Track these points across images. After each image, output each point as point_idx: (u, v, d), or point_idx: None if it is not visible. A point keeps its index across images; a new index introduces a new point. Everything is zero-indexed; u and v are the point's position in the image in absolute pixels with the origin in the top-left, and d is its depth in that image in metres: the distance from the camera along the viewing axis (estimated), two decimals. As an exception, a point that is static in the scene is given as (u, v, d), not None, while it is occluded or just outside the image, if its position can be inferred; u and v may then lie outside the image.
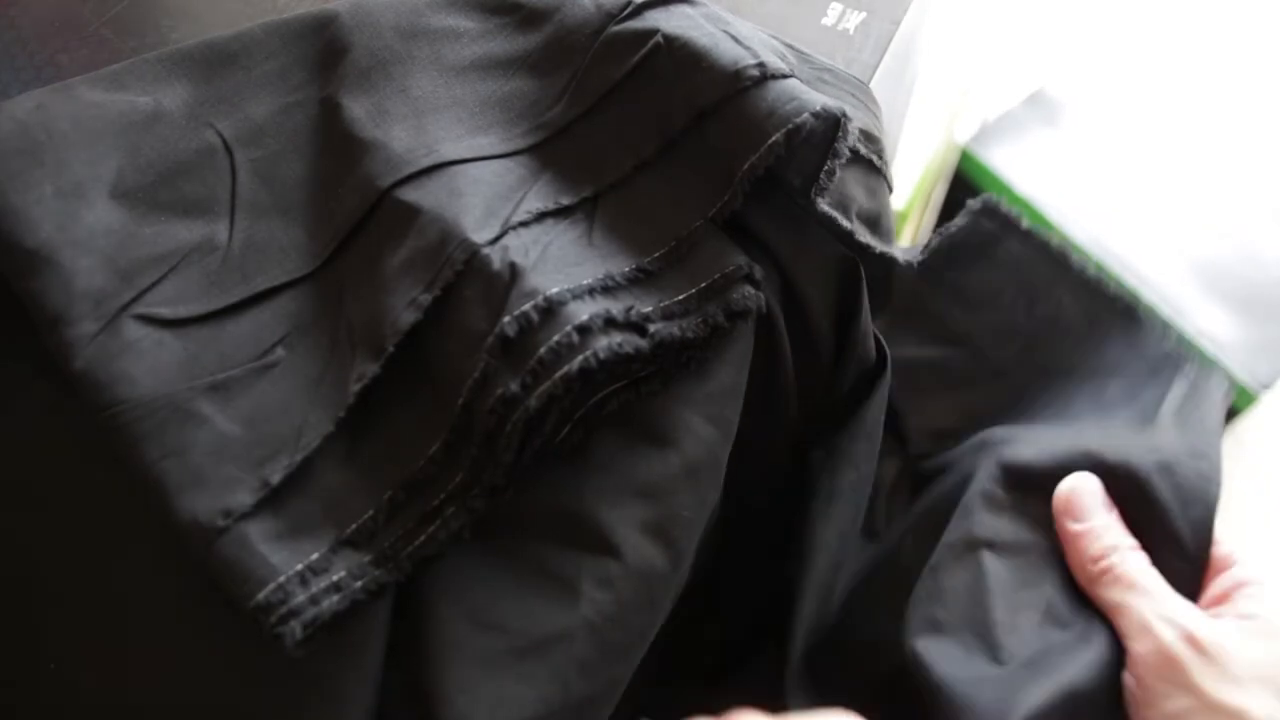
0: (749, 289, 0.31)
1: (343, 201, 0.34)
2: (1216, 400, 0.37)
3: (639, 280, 0.31)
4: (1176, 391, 0.37)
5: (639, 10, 0.35)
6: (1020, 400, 0.42)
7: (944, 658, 0.33)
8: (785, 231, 0.34)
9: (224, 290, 0.33)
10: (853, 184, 0.36)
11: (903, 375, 0.43)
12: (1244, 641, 0.27)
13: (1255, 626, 0.28)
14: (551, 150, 0.35)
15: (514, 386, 0.28)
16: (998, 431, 0.40)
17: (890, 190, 0.39)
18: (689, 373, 0.31)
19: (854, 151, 0.34)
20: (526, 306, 0.29)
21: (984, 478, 0.37)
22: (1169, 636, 0.28)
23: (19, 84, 0.40)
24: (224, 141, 0.35)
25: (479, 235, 0.31)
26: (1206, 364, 0.38)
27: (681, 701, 0.33)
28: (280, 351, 0.32)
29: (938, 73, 0.85)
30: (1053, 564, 0.35)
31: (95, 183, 0.33)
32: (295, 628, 0.26)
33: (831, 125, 0.32)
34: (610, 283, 0.31)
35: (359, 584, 0.28)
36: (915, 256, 0.41)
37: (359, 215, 0.33)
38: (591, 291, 0.30)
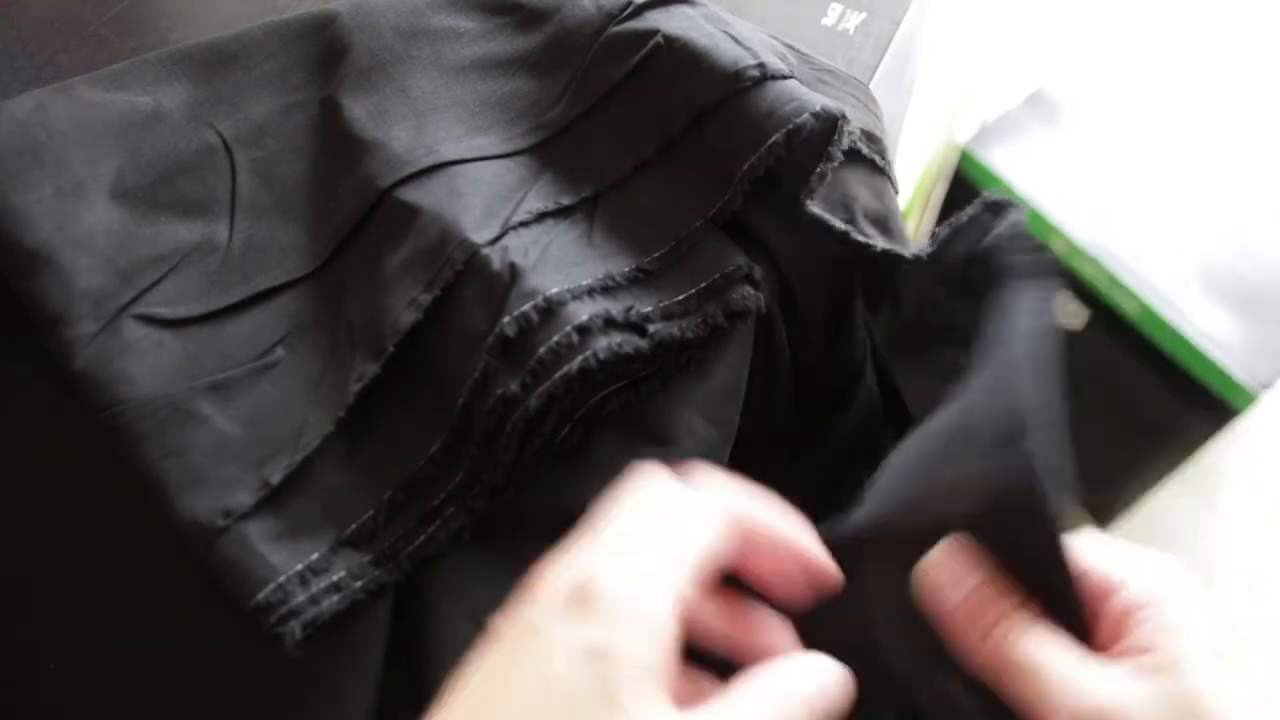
0: (748, 289, 0.31)
1: (343, 201, 0.34)
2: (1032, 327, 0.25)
3: (639, 280, 0.31)
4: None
5: (639, 11, 0.35)
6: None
7: None
8: (784, 232, 0.34)
9: (224, 290, 0.33)
10: (856, 184, 0.36)
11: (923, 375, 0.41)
12: (1142, 706, 0.23)
13: (1153, 666, 0.23)
14: (552, 150, 0.35)
15: (514, 386, 0.28)
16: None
17: (896, 190, 0.39)
18: (689, 373, 0.31)
19: (856, 152, 0.34)
20: (526, 307, 0.29)
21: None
22: None
23: (19, 84, 0.40)
24: (224, 141, 0.35)
25: (479, 235, 0.31)
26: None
27: None
28: (280, 351, 0.32)
29: (938, 73, 0.85)
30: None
31: (95, 183, 0.33)
32: (295, 628, 0.26)
33: (830, 126, 0.32)
34: (610, 283, 0.31)
35: (359, 584, 0.28)
36: (924, 251, 0.39)
37: (359, 215, 0.33)
38: (591, 292, 0.30)
